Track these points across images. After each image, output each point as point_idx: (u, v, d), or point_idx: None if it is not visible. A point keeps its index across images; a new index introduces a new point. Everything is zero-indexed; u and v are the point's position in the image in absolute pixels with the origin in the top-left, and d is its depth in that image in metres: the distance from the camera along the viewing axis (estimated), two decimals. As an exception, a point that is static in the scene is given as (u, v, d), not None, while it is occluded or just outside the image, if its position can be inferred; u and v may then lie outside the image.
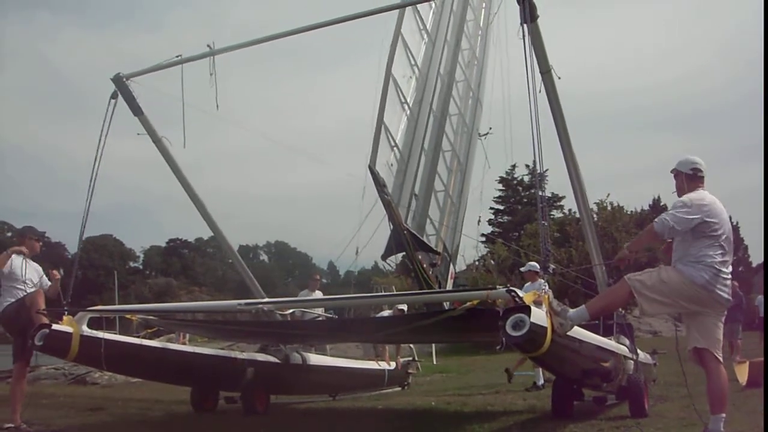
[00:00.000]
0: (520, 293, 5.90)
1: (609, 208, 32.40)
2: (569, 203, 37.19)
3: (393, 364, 13.19)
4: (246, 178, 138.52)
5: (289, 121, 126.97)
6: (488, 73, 13.60)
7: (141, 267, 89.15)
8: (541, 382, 11.68)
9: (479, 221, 13.78)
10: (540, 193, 7.98)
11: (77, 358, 8.40)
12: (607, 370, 7.62)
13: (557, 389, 8.08)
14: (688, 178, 6.16)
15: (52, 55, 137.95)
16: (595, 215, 28.86)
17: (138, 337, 10.03)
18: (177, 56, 8.76)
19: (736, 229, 39.81)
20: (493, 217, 47.62)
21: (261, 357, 10.11)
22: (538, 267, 9.65)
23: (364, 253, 10.11)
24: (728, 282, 5.88)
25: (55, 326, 7.93)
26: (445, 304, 7.73)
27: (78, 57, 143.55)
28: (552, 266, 6.52)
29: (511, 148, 12.06)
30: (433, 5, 11.38)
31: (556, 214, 39.85)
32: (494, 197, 47.29)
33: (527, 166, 44.86)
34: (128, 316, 10.11)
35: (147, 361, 9.00)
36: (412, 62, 10.33)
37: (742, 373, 10.22)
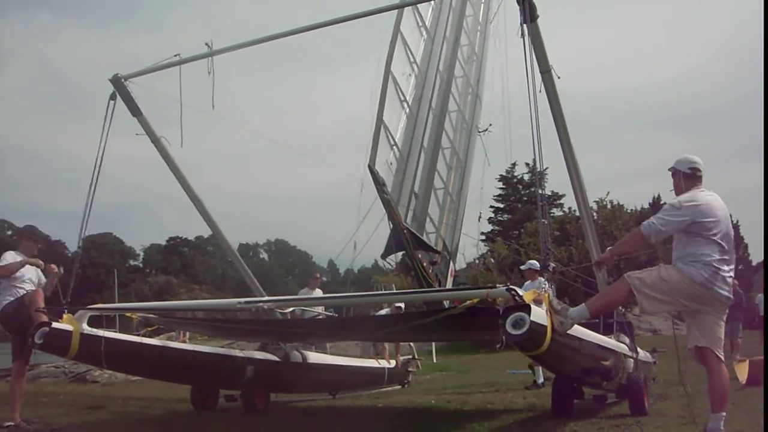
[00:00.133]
0: (520, 292, 5.90)
1: (609, 206, 32.41)
2: (569, 201, 37.20)
3: (393, 363, 13.20)
4: (246, 177, 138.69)
5: (289, 120, 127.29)
6: (488, 70, 13.59)
7: (141, 265, 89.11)
8: (541, 380, 11.68)
9: (480, 218, 13.78)
10: (540, 192, 7.97)
11: (77, 356, 8.41)
12: (607, 369, 7.62)
13: (557, 388, 8.08)
14: (686, 177, 6.16)
15: (52, 55, 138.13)
16: (595, 214, 28.86)
17: (138, 335, 10.02)
18: (175, 55, 8.76)
19: (736, 227, 39.80)
20: (493, 215, 47.62)
21: (261, 355, 10.11)
22: (539, 265, 9.64)
23: (364, 252, 10.11)
24: (728, 280, 5.87)
25: (55, 324, 7.94)
26: (445, 302, 7.73)
27: (78, 57, 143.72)
28: (552, 265, 6.51)
29: (511, 147, 12.05)
30: (432, 2, 11.37)
31: (556, 212, 39.83)
32: (494, 195, 47.32)
33: (527, 164, 44.88)
34: (128, 314, 10.09)
35: (147, 360, 9.01)
36: (412, 60, 10.32)
37: (742, 372, 10.22)
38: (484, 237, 40.10)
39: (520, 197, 47.89)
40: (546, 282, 6.15)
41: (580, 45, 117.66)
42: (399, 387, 13.20)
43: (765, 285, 17.45)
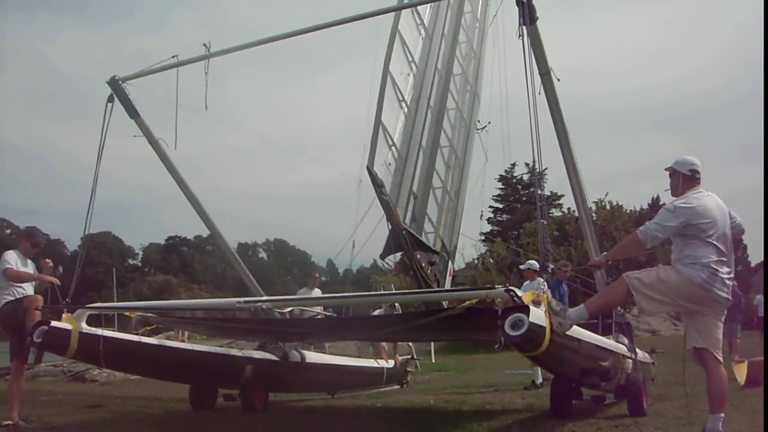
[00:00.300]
0: (519, 293, 5.91)
1: (608, 207, 32.42)
2: (568, 202, 37.19)
3: (391, 363, 13.20)
4: (245, 177, 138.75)
5: (289, 120, 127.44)
6: (486, 68, 13.58)
7: (140, 264, 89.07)
8: (539, 380, 11.68)
9: (482, 215, 13.77)
10: (539, 192, 7.98)
11: (76, 355, 8.44)
12: (606, 369, 7.63)
13: (556, 388, 8.08)
14: (686, 178, 6.16)
15: (52, 55, 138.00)
16: (594, 214, 28.86)
17: (137, 334, 10.02)
18: (173, 57, 8.76)
19: (735, 228, 39.74)
20: (492, 215, 47.60)
21: (260, 354, 10.11)
22: (538, 266, 9.65)
23: (363, 252, 10.13)
24: (727, 281, 5.88)
25: (54, 323, 7.95)
26: (443, 302, 7.73)
27: (78, 57, 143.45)
28: (551, 265, 6.52)
29: (509, 147, 12.04)
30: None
31: (555, 212, 39.83)
32: (493, 196, 47.27)
33: (527, 164, 44.84)
34: (127, 313, 10.11)
35: (146, 359, 9.01)
36: (410, 59, 10.33)
37: (741, 373, 10.22)
38: (483, 237, 40.14)
39: (520, 197, 47.87)
40: (545, 283, 6.16)
41: (580, 45, 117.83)
42: (398, 387, 13.20)
43: (765, 286, 17.45)
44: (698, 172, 6.19)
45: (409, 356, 14.56)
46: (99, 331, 8.30)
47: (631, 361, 8.41)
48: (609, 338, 8.20)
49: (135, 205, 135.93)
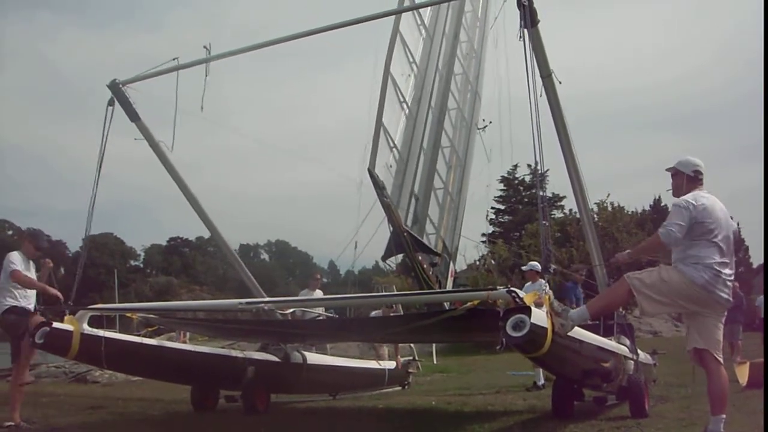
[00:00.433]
0: (521, 294, 5.92)
1: (609, 208, 32.44)
2: (570, 203, 37.17)
3: (393, 364, 13.19)
4: (246, 178, 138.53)
5: (289, 120, 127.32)
6: (487, 67, 13.52)
7: (142, 265, 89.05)
8: (541, 382, 11.67)
9: (488, 216, 13.73)
10: (541, 194, 7.98)
11: (78, 356, 8.45)
12: (608, 371, 7.62)
13: (557, 389, 8.08)
14: (689, 179, 6.16)
15: (52, 55, 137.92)
16: (595, 216, 28.86)
17: (138, 335, 10.04)
18: (174, 59, 8.77)
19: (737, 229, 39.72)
20: (494, 216, 47.59)
21: (261, 356, 10.12)
22: (540, 267, 9.64)
23: (364, 253, 10.11)
24: (729, 283, 5.88)
25: (55, 324, 7.97)
26: (445, 304, 7.73)
27: (78, 57, 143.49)
28: (553, 266, 6.51)
29: (512, 148, 12.01)
30: None
31: (557, 214, 39.84)
32: (495, 197, 47.27)
33: (529, 165, 44.77)
34: (129, 314, 10.10)
35: (147, 360, 9.03)
36: (411, 60, 10.31)
37: (743, 374, 10.21)
38: (485, 238, 40.10)
39: (521, 199, 47.88)
40: (547, 284, 6.16)
41: (580, 45, 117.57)
42: (399, 388, 13.18)
43: (765, 287, 17.43)
44: (701, 174, 6.19)
45: (411, 357, 14.54)
46: (100, 333, 8.31)
47: (632, 362, 8.41)
48: (611, 339, 8.20)
49: (136, 207, 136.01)
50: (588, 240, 9.29)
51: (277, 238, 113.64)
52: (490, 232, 42.14)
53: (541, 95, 7.02)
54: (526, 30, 6.81)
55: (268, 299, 9.21)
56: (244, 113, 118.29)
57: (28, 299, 8.51)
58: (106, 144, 8.88)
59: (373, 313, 13.54)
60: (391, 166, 9.20)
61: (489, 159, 12.36)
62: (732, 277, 5.95)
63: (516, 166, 45.87)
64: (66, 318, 8.12)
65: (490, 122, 12.47)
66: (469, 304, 6.37)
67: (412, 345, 15.20)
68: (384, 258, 9.03)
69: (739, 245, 41.31)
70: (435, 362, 20.54)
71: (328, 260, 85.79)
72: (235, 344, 14.24)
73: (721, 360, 5.93)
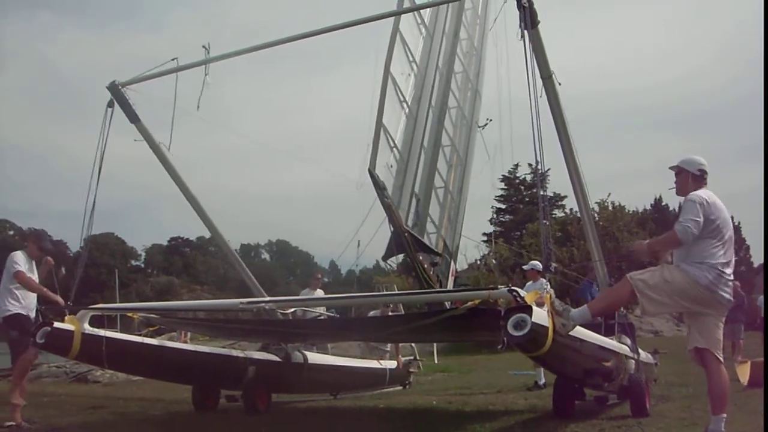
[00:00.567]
0: (522, 293, 5.91)
1: (610, 207, 32.45)
2: (571, 203, 37.17)
3: (394, 363, 13.19)
4: (247, 178, 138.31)
5: (289, 120, 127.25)
6: (488, 66, 13.48)
7: (142, 265, 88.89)
8: (542, 381, 11.67)
9: (492, 219, 13.68)
10: (542, 193, 7.98)
11: (79, 356, 8.45)
12: (609, 370, 7.62)
13: (559, 389, 8.07)
14: (695, 178, 6.14)
15: (52, 55, 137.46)
16: (596, 215, 28.87)
17: (139, 335, 10.04)
18: (173, 59, 8.76)
19: (737, 229, 39.80)
20: (495, 216, 47.59)
21: (262, 356, 10.11)
22: (540, 266, 9.63)
23: (365, 252, 10.10)
24: (730, 283, 5.88)
25: (56, 324, 7.98)
26: (446, 303, 7.73)
27: (78, 57, 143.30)
28: (554, 265, 6.51)
29: (512, 149, 11.97)
30: None
31: (558, 213, 39.84)
32: (496, 196, 47.26)
33: (530, 165, 44.74)
34: (130, 314, 10.11)
35: (148, 360, 9.02)
36: (411, 59, 10.30)
37: (744, 373, 10.20)
38: (486, 238, 40.12)
39: (522, 198, 47.87)
40: (548, 283, 6.15)
41: (580, 45, 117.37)
42: (400, 388, 13.19)
43: (765, 287, 17.42)
44: (706, 173, 6.18)
45: (412, 357, 14.54)
46: (101, 332, 8.32)
47: (633, 361, 8.41)
48: (612, 339, 8.20)
49: (137, 206, 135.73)
50: (589, 239, 9.28)
51: (277, 237, 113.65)
52: (496, 231, 42.25)
53: (541, 96, 7.00)
54: (526, 31, 6.80)
55: (268, 299, 9.20)
56: (244, 113, 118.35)
57: (29, 302, 8.51)
58: (106, 145, 8.88)
59: (372, 313, 13.55)
60: (391, 166, 9.19)
61: (489, 156, 12.33)
62: (732, 277, 5.95)
63: (517, 165, 45.87)
64: (67, 318, 8.12)
65: (490, 120, 12.45)
66: (470, 303, 6.37)
67: (413, 344, 15.20)
68: (385, 258, 9.02)
69: (740, 244, 41.38)
70: (436, 362, 20.55)
71: (329, 260, 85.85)
72: (236, 344, 14.24)
73: (722, 359, 5.92)
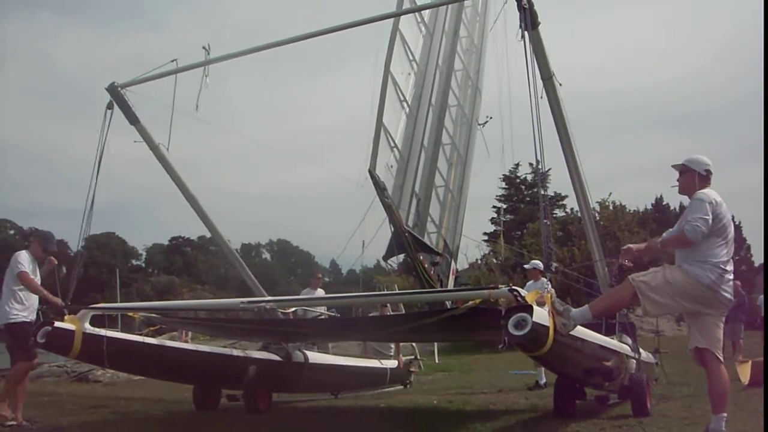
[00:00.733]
0: (523, 292, 5.91)
1: (611, 207, 32.45)
2: (572, 202, 37.15)
3: (395, 363, 13.20)
4: (247, 177, 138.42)
5: (289, 120, 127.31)
6: (488, 64, 13.42)
7: (143, 265, 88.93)
8: (543, 380, 11.67)
9: (499, 216, 13.65)
10: (542, 193, 7.99)
11: (79, 355, 8.46)
12: (610, 369, 7.62)
13: (559, 388, 8.08)
14: (701, 178, 6.12)
15: (53, 55, 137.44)
16: (597, 214, 28.86)
17: (140, 334, 10.05)
18: (172, 61, 8.77)
19: (738, 228, 39.76)
20: (495, 215, 47.56)
21: (263, 355, 10.12)
22: (542, 265, 9.62)
23: (366, 252, 10.10)
24: (731, 282, 5.88)
25: (57, 324, 7.98)
26: (447, 302, 7.73)
27: (78, 57, 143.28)
28: (555, 264, 6.51)
29: (512, 149, 11.93)
30: None
31: (559, 213, 39.83)
32: (497, 196, 47.25)
33: (530, 164, 44.69)
34: (130, 313, 10.12)
35: (149, 359, 9.03)
36: (411, 58, 10.28)
37: (744, 373, 10.20)
38: (487, 237, 40.14)
39: (523, 198, 47.83)
40: (548, 282, 6.15)
41: (580, 45, 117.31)
42: (401, 387, 13.19)
43: (765, 287, 17.42)
44: (711, 173, 6.18)
45: (413, 357, 14.55)
46: (102, 332, 8.32)
47: (634, 361, 8.41)
48: (613, 338, 8.20)
49: (138, 206, 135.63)
50: (589, 239, 9.28)
51: (278, 237, 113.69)
52: (498, 230, 42.20)
53: (542, 97, 6.99)
54: (526, 32, 6.78)
55: (269, 298, 9.21)
56: (245, 113, 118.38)
57: (32, 302, 8.50)
58: (105, 147, 8.88)
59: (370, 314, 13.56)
60: (391, 166, 9.19)
61: (489, 154, 12.31)
62: (732, 276, 5.95)
63: (518, 164, 45.84)
64: (68, 317, 8.13)
65: (491, 118, 12.43)
66: (470, 302, 6.37)
67: (414, 344, 15.20)
68: (385, 258, 9.03)
69: (740, 244, 41.34)
70: (437, 361, 20.55)
71: (330, 259, 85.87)
72: (236, 343, 14.26)
73: (722, 359, 5.92)
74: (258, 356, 10.10)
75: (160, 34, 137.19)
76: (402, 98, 9.83)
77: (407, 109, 9.98)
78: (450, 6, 12.20)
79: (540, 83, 7.08)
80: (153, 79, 8.89)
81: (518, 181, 48.29)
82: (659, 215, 40.99)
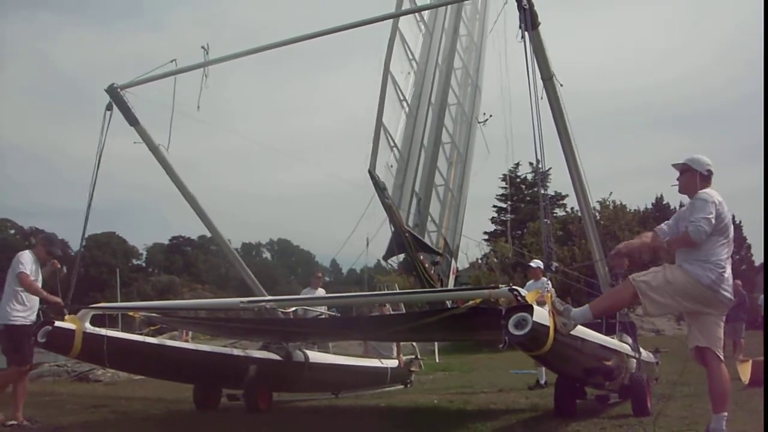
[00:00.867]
0: (523, 292, 5.91)
1: (611, 206, 32.46)
2: (572, 202, 37.15)
3: (395, 362, 13.20)
4: (248, 177, 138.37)
5: (291, 121, 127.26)
6: (488, 61, 13.38)
7: (144, 264, 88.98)
8: (543, 380, 11.67)
9: (507, 210, 13.54)
10: (543, 192, 7.98)
11: (80, 355, 8.47)
12: (610, 369, 7.62)
13: (560, 388, 8.08)
14: (702, 177, 6.11)
15: (53, 55, 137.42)
16: (597, 214, 28.86)
17: (140, 334, 10.05)
18: (172, 61, 8.77)
19: (739, 228, 39.76)
20: (496, 215, 47.56)
21: (263, 354, 10.12)
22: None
23: (365, 252, 10.10)
24: (730, 281, 5.88)
25: (57, 323, 7.99)
26: (447, 302, 7.73)
27: (78, 57, 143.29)
28: (555, 264, 6.50)
29: (512, 146, 11.90)
30: None
31: (559, 212, 39.81)
32: (497, 195, 47.21)
33: (531, 164, 44.63)
34: (131, 313, 10.13)
35: (149, 359, 9.03)
36: (410, 57, 10.27)
37: (745, 372, 10.20)
38: (487, 237, 40.14)
39: (523, 197, 47.80)
40: (549, 282, 6.15)
41: (580, 45, 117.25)
42: (402, 387, 13.20)
43: (765, 286, 17.43)
44: (712, 173, 6.18)
45: (413, 356, 14.55)
46: (103, 331, 8.33)
47: (635, 360, 8.40)
48: (613, 338, 8.19)
49: (138, 206, 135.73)
50: (590, 238, 9.28)
51: (278, 236, 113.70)
52: (499, 230, 42.19)
53: (542, 98, 6.98)
54: (526, 33, 6.77)
55: (269, 298, 9.21)
56: (248, 114, 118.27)
57: (33, 303, 8.50)
58: (104, 148, 8.88)
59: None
60: (391, 166, 9.18)
61: (489, 151, 12.29)
62: (731, 275, 5.95)
63: (518, 164, 45.82)
64: (68, 317, 8.13)
65: (491, 115, 12.40)
66: (471, 302, 6.37)
67: (414, 343, 15.21)
68: (385, 258, 9.03)
69: (741, 243, 41.34)
70: (437, 361, 20.57)
71: (330, 259, 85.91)
72: (237, 343, 14.26)
73: (722, 358, 5.92)
74: (258, 356, 10.11)
75: (160, 34, 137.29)
76: (402, 97, 9.82)
77: (407, 109, 9.96)
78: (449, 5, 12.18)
79: (540, 83, 7.07)
80: (152, 80, 8.89)
81: (518, 180, 48.28)
82: (659, 214, 40.94)
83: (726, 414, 5.77)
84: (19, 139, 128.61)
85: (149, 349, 8.99)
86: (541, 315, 5.51)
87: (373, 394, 12.38)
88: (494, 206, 46.42)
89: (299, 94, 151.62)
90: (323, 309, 11.82)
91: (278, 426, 8.56)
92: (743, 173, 74.97)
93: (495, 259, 31.98)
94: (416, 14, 10.64)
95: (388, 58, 9.17)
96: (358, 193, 8.70)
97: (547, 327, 5.53)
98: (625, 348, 8.28)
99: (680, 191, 6.27)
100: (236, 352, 10.49)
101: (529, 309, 5.47)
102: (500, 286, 6.36)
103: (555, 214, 37.20)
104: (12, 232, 76.48)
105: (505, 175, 46.25)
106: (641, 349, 9.02)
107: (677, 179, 6.27)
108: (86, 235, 9.06)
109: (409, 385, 13.40)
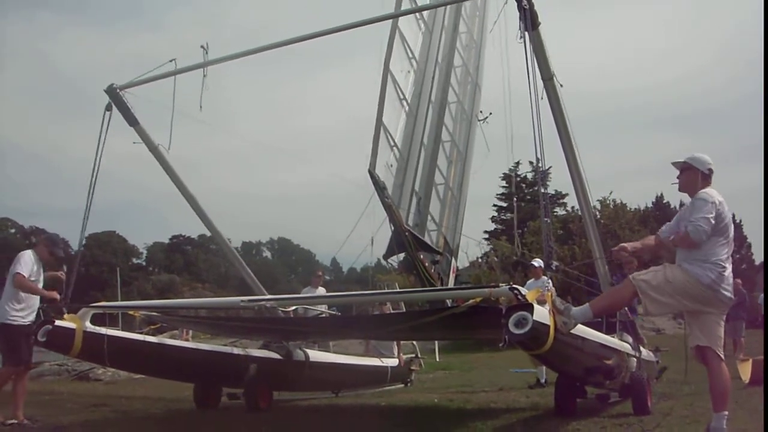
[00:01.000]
0: (523, 291, 5.91)
1: (612, 205, 32.44)
2: (572, 201, 37.14)
3: (396, 361, 13.20)
4: (248, 177, 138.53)
5: (293, 120, 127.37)
6: (488, 59, 13.36)
7: (144, 263, 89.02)
8: (544, 379, 11.66)
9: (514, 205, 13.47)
10: (543, 191, 7.97)
11: (80, 354, 8.47)
12: (610, 368, 7.62)
13: (560, 387, 8.07)
14: (704, 176, 6.11)
15: (53, 55, 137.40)
16: (597, 213, 28.85)
17: (141, 333, 10.05)
18: (171, 60, 8.76)
19: (739, 227, 39.76)
20: (496, 214, 47.56)
21: (264, 353, 10.12)
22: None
23: (366, 251, 10.10)
24: (730, 280, 5.88)
25: (58, 322, 7.98)
26: (447, 301, 7.73)
27: (78, 57, 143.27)
28: (555, 263, 6.50)
29: (512, 147, 11.91)
30: None
31: (560, 211, 39.80)
32: (497, 194, 47.21)
33: (531, 162, 44.59)
34: (131, 312, 10.13)
35: (150, 358, 9.04)
36: (410, 55, 10.27)
37: (745, 371, 10.20)
38: (488, 236, 40.12)
39: (524, 196, 47.78)
40: (549, 281, 6.15)
41: (580, 45, 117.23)
42: (402, 386, 13.19)
43: (765, 286, 17.43)
44: (713, 172, 6.17)
45: (413, 355, 14.55)
46: (103, 331, 8.33)
47: (635, 359, 8.40)
48: (613, 337, 8.19)
49: (138, 205, 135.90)
50: (590, 237, 9.27)
51: (279, 235, 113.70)
52: (500, 228, 42.18)
53: (542, 98, 6.97)
54: (526, 33, 6.76)
55: (269, 297, 9.22)
56: (246, 113, 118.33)
57: (33, 302, 8.48)
58: (104, 148, 8.88)
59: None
60: (391, 166, 9.19)
61: (489, 149, 12.29)
62: (731, 274, 5.95)
63: (518, 163, 45.79)
64: (68, 316, 8.13)
65: (490, 113, 12.39)
66: (471, 301, 6.37)
67: (414, 342, 15.21)
68: (386, 257, 9.03)
69: (741, 242, 41.34)
70: (437, 359, 20.54)
71: (330, 258, 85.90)
72: (237, 342, 14.26)
73: (723, 357, 5.92)
74: (259, 354, 10.10)
75: (160, 34, 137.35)
76: (402, 96, 9.82)
77: (407, 108, 9.97)
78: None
79: (540, 83, 7.06)
80: (151, 81, 8.88)
81: (518, 179, 48.24)
82: (660, 213, 40.94)
83: (726, 413, 5.77)
84: (19, 139, 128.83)
85: (149, 348, 8.99)
86: (542, 314, 5.52)
87: (373, 393, 12.38)
88: (494, 205, 46.46)
89: (299, 94, 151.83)
90: (324, 308, 11.83)
91: (278, 425, 8.55)
92: (743, 173, 74.97)
93: (495, 258, 31.96)
94: (416, 13, 10.64)
95: (388, 57, 9.17)
96: (359, 192, 8.71)
97: (548, 326, 5.53)
98: (626, 347, 8.27)
99: (680, 189, 6.27)
100: (236, 351, 10.49)
101: (530, 308, 5.47)
102: (500, 284, 6.36)
103: (555, 213, 37.19)
104: (12, 231, 76.51)
105: (505, 174, 46.62)
106: (642, 348, 9.01)
107: (677, 177, 6.27)
108: (86, 234, 9.03)
109: (409, 384, 13.39)
